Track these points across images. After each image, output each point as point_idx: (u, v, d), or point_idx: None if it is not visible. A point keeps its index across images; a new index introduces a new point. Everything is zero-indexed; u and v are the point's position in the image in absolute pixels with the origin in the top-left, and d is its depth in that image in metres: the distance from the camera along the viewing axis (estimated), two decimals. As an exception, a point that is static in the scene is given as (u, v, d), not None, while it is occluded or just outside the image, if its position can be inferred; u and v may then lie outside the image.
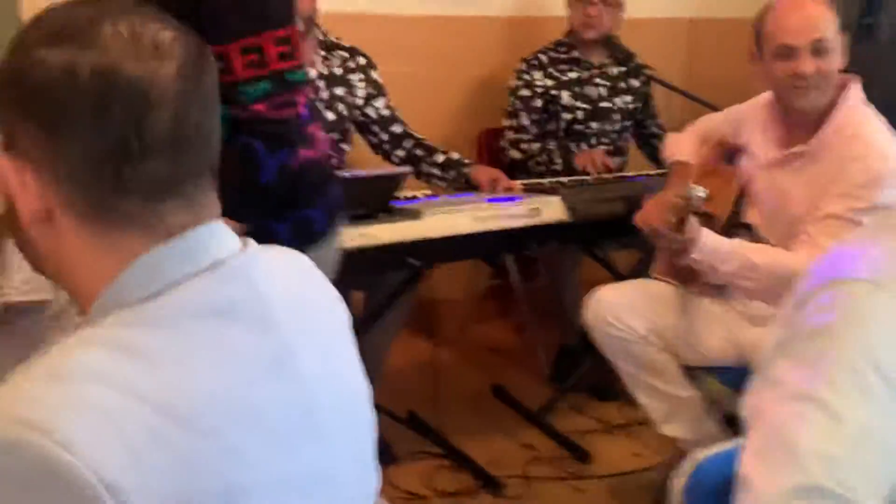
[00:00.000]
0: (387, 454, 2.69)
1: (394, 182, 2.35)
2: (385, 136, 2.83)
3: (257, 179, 1.52)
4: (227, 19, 1.47)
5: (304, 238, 1.70)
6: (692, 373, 2.28)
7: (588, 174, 2.92)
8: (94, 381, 0.70)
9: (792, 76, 2.07)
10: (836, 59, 2.08)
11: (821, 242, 1.94)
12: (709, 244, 2.01)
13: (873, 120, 2.09)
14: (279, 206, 1.61)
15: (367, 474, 0.93)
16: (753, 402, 1.02)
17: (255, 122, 1.50)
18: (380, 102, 2.82)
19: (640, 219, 2.13)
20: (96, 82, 0.75)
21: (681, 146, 2.44)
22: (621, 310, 2.25)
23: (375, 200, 2.32)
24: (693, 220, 1.96)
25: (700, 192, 1.89)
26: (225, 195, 1.56)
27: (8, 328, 1.50)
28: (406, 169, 2.47)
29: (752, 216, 2.24)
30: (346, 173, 2.51)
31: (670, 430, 2.31)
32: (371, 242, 2.23)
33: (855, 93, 2.10)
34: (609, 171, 2.96)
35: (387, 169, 2.68)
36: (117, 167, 0.76)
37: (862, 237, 1.10)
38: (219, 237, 0.82)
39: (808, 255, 1.86)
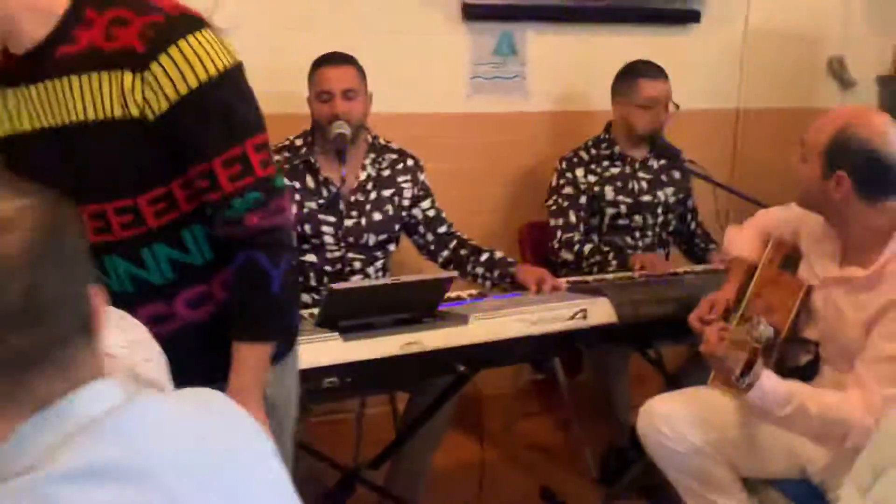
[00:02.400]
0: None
1: (441, 286, 2.32)
2: (431, 237, 2.83)
3: (270, 291, 1.52)
4: (209, 133, 1.46)
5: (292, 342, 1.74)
6: (752, 485, 2.19)
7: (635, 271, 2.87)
8: None
9: None
10: None
11: (873, 388, 1.90)
12: (767, 387, 1.93)
13: None
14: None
15: None
16: None
17: (253, 235, 1.50)
18: (426, 203, 2.83)
19: (703, 347, 2.06)
20: None
21: (742, 242, 2.40)
22: (676, 421, 2.17)
23: (422, 305, 2.30)
24: (758, 366, 1.90)
25: (771, 331, 1.85)
26: (244, 315, 1.54)
27: None
28: (452, 273, 2.45)
29: (810, 332, 2.17)
30: (392, 279, 2.51)
31: (730, 543, 2.21)
32: (417, 349, 2.21)
33: None
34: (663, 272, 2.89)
35: (433, 273, 2.66)
36: None
37: None
38: (95, 396, 0.81)
39: (859, 403, 1.89)
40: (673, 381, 2.84)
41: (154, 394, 0.88)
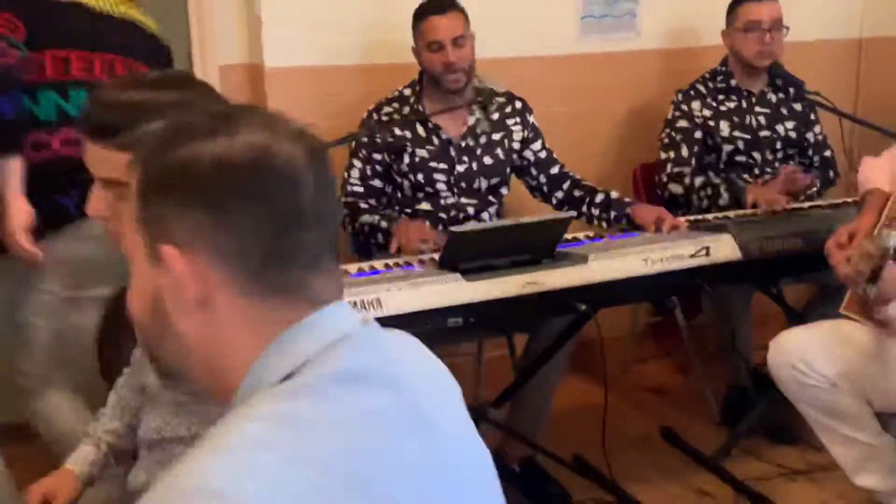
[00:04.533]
0: (562, 499, 2.65)
1: (559, 227, 2.32)
2: (543, 179, 2.82)
3: None
4: None
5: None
6: (886, 419, 2.13)
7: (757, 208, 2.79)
8: (257, 448, 0.74)
9: None
10: None
11: None
12: None
13: None
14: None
15: None
16: None
17: None
18: (537, 145, 2.82)
19: (833, 259, 2.00)
20: (251, 164, 0.81)
21: (876, 173, 2.31)
22: (809, 354, 2.13)
23: (541, 246, 2.30)
24: (891, 271, 1.83)
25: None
26: None
27: None
28: (570, 213, 2.44)
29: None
30: (510, 220, 2.52)
31: (863, 480, 2.17)
32: (538, 289, 2.22)
33: None
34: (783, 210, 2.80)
35: (551, 214, 2.66)
36: (280, 239, 0.82)
37: None
38: (344, 314, 0.87)
39: None
40: (797, 320, 2.77)
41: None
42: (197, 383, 0.89)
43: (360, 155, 2.71)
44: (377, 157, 2.71)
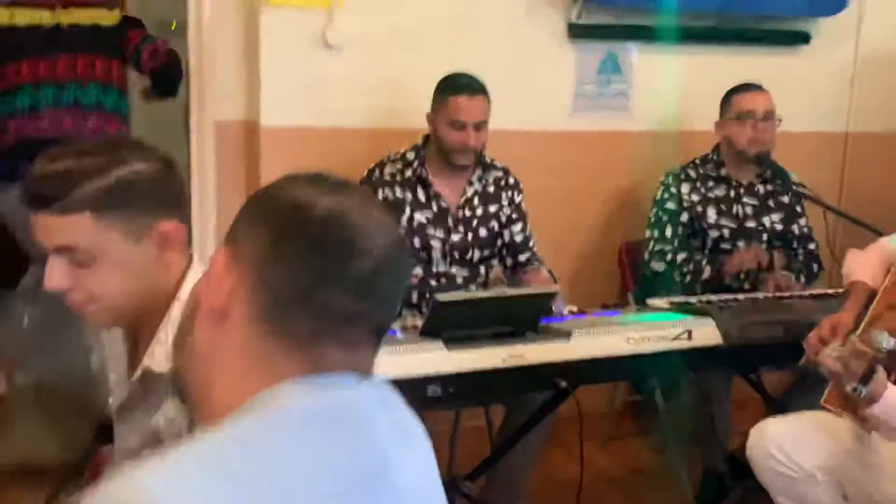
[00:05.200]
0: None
1: (544, 301, 2.33)
2: (510, 262, 2.89)
3: None
4: None
5: None
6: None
7: (736, 290, 2.82)
8: (204, 467, 0.77)
9: None
10: None
11: None
12: (892, 401, 1.88)
13: None
14: None
15: None
16: None
17: None
18: (517, 227, 2.87)
19: (816, 355, 2.02)
20: (325, 219, 0.89)
21: (860, 266, 2.34)
22: (789, 444, 2.13)
23: (525, 319, 2.31)
24: (881, 373, 1.85)
25: (891, 342, 1.80)
26: None
27: None
28: (556, 287, 2.45)
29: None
30: (497, 292, 2.54)
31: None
32: (519, 362, 2.22)
33: None
34: (761, 267, 2.83)
35: (537, 287, 2.67)
36: (316, 290, 0.87)
37: None
38: (349, 384, 0.89)
39: None
40: (775, 408, 2.77)
41: None
42: (191, 399, 0.95)
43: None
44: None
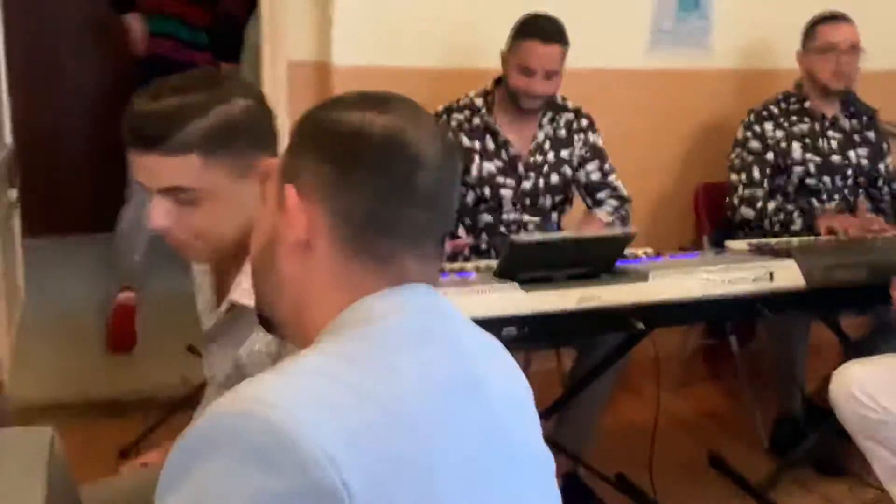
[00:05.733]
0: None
1: (620, 243, 2.30)
2: (589, 202, 2.83)
3: None
4: None
5: None
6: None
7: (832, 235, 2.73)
8: (316, 375, 0.81)
9: None
10: None
11: None
12: None
13: None
14: None
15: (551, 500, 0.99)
16: None
17: None
18: (592, 166, 2.80)
19: None
20: (384, 141, 0.91)
21: None
22: (875, 387, 2.08)
23: (601, 261, 2.28)
24: None
25: None
26: None
27: None
28: (632, 230, 2.41)
29: None
30: (572, 234, 2.51)
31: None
32: (595, 304, 2.19)
33: None
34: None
35: (613, 230, 2.63)
36: (387, 208, 0.91)
37: None
38: (424, 292, 0.93)
39: None
40: (854, 353, 2.71)
41: None
42: (283, 328, 0.98)
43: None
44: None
